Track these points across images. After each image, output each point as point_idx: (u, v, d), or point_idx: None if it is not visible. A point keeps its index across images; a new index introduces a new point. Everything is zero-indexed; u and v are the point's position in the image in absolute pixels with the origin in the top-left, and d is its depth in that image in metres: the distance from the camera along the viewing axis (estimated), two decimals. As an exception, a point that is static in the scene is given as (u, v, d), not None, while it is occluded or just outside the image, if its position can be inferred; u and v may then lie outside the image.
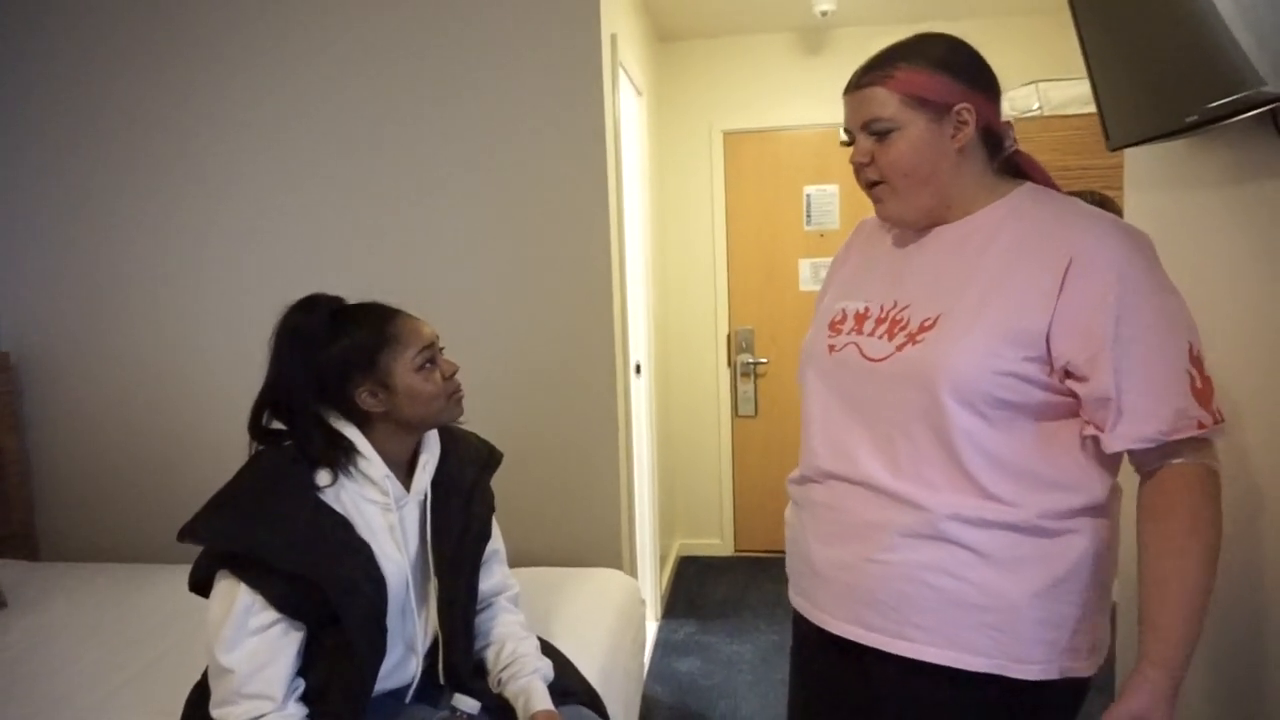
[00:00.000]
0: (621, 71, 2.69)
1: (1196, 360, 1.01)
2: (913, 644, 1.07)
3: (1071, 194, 1.16)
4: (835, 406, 1.16)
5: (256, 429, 1.34)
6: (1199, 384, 1.00)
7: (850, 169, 1.17)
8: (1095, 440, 1.04)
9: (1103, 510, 1.07)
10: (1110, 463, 1.08)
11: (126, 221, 2.69)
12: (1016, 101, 3.40)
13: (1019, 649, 1.04)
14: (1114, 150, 1.61)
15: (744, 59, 3.90)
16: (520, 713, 1.39)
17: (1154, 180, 1.76)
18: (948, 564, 1.05)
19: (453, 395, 1.39)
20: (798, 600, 1.23)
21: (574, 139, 2.44)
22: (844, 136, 1.16)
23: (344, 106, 2.54)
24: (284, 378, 1.31)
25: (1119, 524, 1.12)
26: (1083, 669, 1.07)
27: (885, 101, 1.07)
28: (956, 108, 1.07)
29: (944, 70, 1.07)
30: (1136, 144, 1.53)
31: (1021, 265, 1.05)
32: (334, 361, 1.31)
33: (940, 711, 1.09)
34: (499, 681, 1.46)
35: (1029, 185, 1.14)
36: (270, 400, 1.33)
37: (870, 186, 1.14)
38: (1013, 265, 1.05)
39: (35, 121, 2.70)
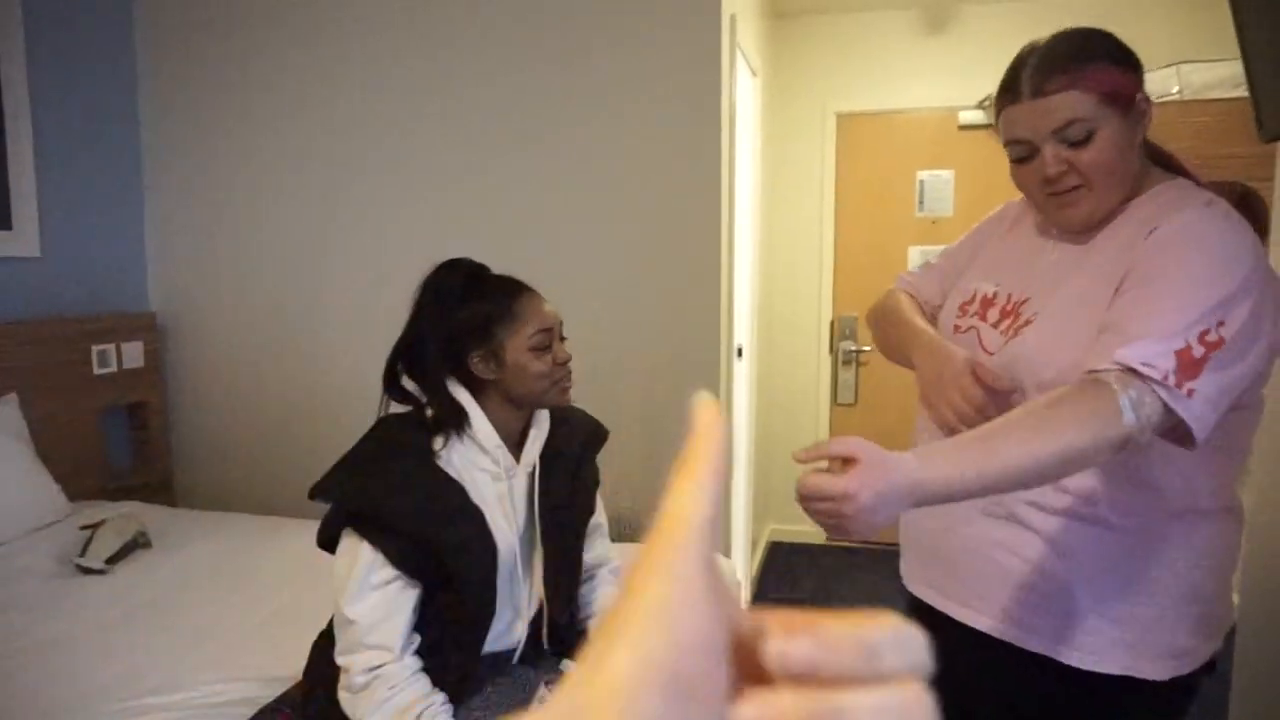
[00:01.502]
0: (739, 53, 2.67)
1: (1209, 343, 0.92)
2: (976, 614, 1.14)
3: (1212, 184, 1.11)
4: None
5: (390, 380, 1.40)
6: (1194, 354, 0.91)
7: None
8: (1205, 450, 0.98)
9: (1201, 518, 1.04)
10: (1219, 471, 1.04)
11: (267, 193, 2.85)
12: (1154, 84, 3.18)
13: (1074, 636, 1.06)
14: (1268, 141, 1.52)
15: (862, 37, 3.81)
16: (621, 682, 1.43)
17: (1310, 174, 1.64)
18: (1015, 544, 1.09)
19: (559, 382, 1.41)
20: (901, 566, 1.30)
21: (690, 122, 2.45)
22: (1019, 151, 1.08)
23: (466, 89, 2.62)
24: (418, 334, 1.38)
25: (1233, 541, 1.08)
26: (1152, 671, 1.05)
27: (1082, 103, 1.02)
28: (1138, 99, 1.04)
29: (1121, 63, 1.04)
30: (1294, 136, 1.44)
31: (1122, 263, 1.03)
32: (458, 324, 1.37)
33: (997, 682, 1.14)
34: (600, 651, 1.50)
35: (1179, 181, 1.09)
36: (404, 352, 1.40)
37: (1065, 192, 1.07)
38: (1116, 263, 1.04)
39: (184, 102, 2.89)
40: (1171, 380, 0.90)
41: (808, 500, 0.83)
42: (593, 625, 1.55)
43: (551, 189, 2.59)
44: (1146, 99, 1.05)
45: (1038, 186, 1.08)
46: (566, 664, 1.28)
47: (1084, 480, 1.04)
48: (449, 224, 2.68)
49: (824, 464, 0.86)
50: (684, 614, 0.23)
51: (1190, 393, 0.91)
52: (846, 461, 0.84)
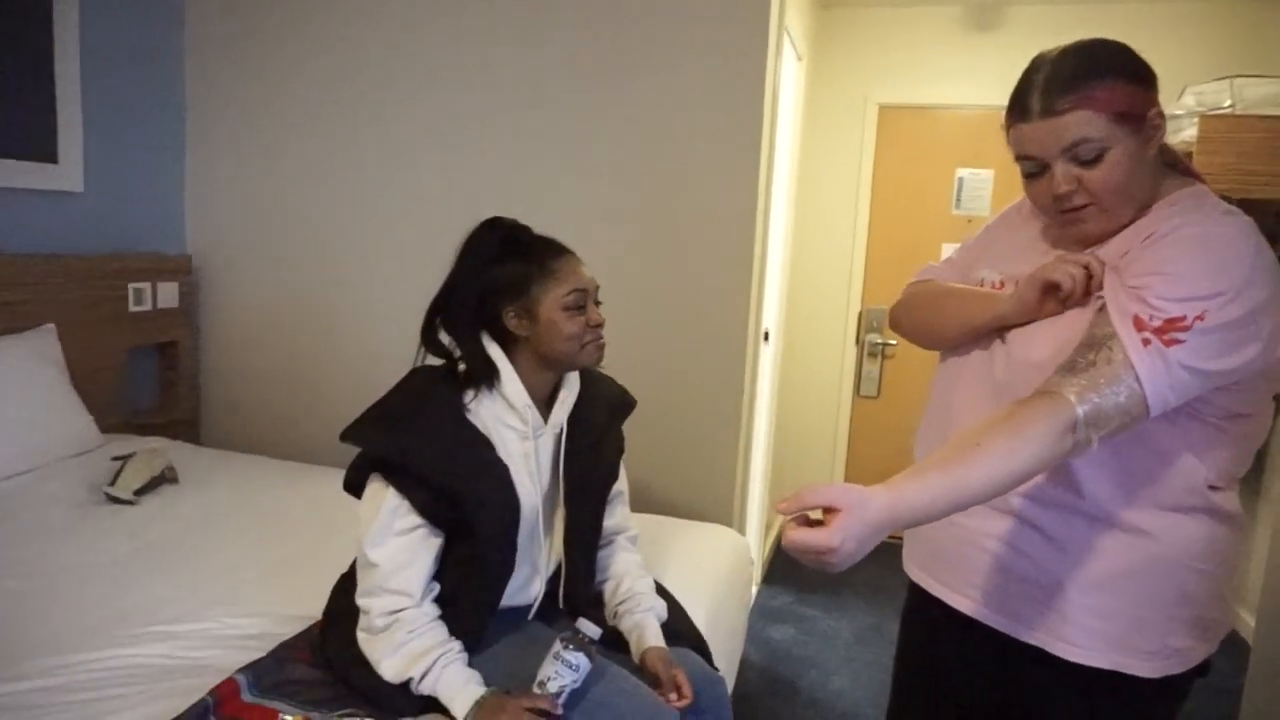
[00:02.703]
0: (786, 35, 2.65)
1: (1181, 326, 0.94)
2: (970, 601, 1.16)
3: (1255, 202, 1.11)
4: (960, 369, 1.20)
5: (428, 334, 1.42)
6: (1159, 332, 0.94)
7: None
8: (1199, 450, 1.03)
9: (1195, 516, 1.05)
10: (1216, 471, 1.05)
11: (307, 140, 2.87)
12: (1205, 96, 3.15)
13: (1064, 629, 1.08)
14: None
15: (908, 31, 3.76)
16: (633, 646, 1.46)
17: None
18: (1012, 536, 1.11)
19: (591, 342, 1.42)
20: (904, 553, 1.32)
21: (732, 102, 2.44)
22: (1030, 167, 1.08)
23: (512, 54, 2.62)
24: (456, 288, 1.40)
25: (1229, 546, 1.09)
26: (1140, 668, 1.06)
27: (1093, 122, 1.01)
28: (1150, 115, 1.03)
29: (1135, 80, 1.02)
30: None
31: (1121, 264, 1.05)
32: (495, 280, 1.39)
33: (989, 669, 1.17)
34: (614, 614, 1.52)
35: (1197, 189, 1.09)
36: (442, 306, 1.42)
37: (1074, 210, 1.07)
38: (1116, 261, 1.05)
39: (231, 52, 2.91)
40: (1134, 330, 0.95)
41: (795, 554, 0.86)
42: (608, 589, 1.57)
43: (590, 159, 2.59)
44: (1160, 114, 1.03)
45: (1048, 202, 1.08)
46: (582, 622, 1.30)
47: (1090, 475, 1.04)
48: (486, 186, 2.70)
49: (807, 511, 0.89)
50: None
51: (1146, 342, 0.94)
52: (827, 510, 0.86)
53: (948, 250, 4.03)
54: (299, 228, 2.92)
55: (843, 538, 0.83)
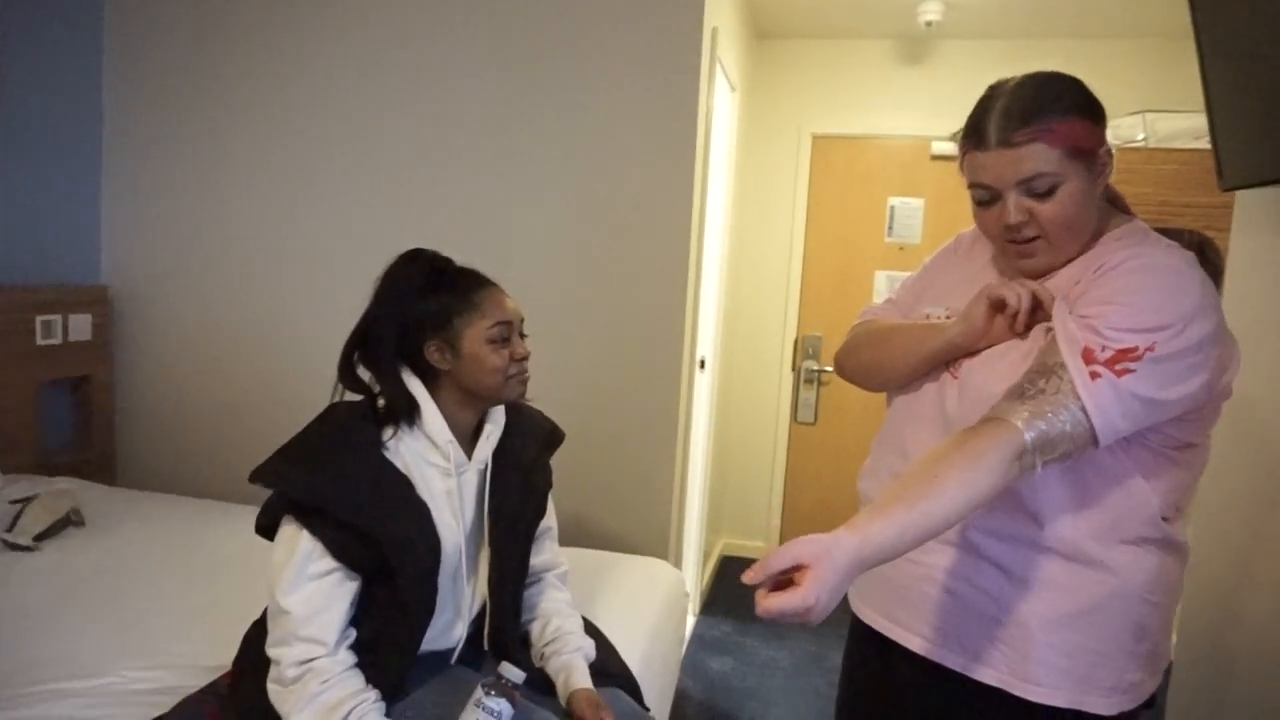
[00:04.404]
0: (718, 66, 2.68)
1: (1131, 356, 0.95)
2: (929, 644, 1.13)
3: (1169, 231, 1.14)
4: (910, 406, 1.19)
5: (346, 370, 1.37)
6: (1111, 363, 0.94)
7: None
8: (1150, 475, 1.03)
9: (1149, 548, 1.05)
10: (1168, 502, 1.05)
11: (229, 172, 2.79)
12: (1121, 130, 3.28)
13: (1026, 668, 1.06)
14: (1226, 190, 1.55)
15: (841, 63, 3.84)
16: (560, 688, 1.41)
17: (1270, 225, 1.68)
18: (970, 573, 1.08)
19: (515, 376, 1.38)
20: (850, 591, 1.28)
21: (666, 130, 2.45)
22: (982, 195, 1.08)
23: (438, 82, 2.59)
24: (375, 322, 1.35)
25: (1178, 577, 1.10)
26: (1099, 705, 1.05)
27: (1047, 157, 1.01)
28: (1100, 152, 1.04)
29: (1089, 116, 1.03)
30: (1254, 186, 1.46)
31: (1071, 296, 1.05)
32: (416, 313, 1.35)
33: (947, 712, 1.15)
34: (541, 656, 1.48)
35: (1137, 224, 1.11)
36: (360, 342, 1.37)
37: (1023, 241, 1.08)
38: (1066, 294, 1.06)
39: (151, 76, 2.83)
40: (1083, 363, 0.95)
41: (772, 619, 0.84)
42: (534, 629, 1.52)
43: (522, 186, 2.57)
44: (1109, 151, 1.05)
45: (998, 232, 1.09)
46: (506, 666, 1.25)
47: (1041, 507, 1.04)
48: (413, 216, 2.65)
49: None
50: None
51: (1095, 375, 0.94)
52: (795, 568, 0.84)
53: (881, 277, 4.12)
54: (222, 257, 2.83)
55: (816, 593, 0.81)
